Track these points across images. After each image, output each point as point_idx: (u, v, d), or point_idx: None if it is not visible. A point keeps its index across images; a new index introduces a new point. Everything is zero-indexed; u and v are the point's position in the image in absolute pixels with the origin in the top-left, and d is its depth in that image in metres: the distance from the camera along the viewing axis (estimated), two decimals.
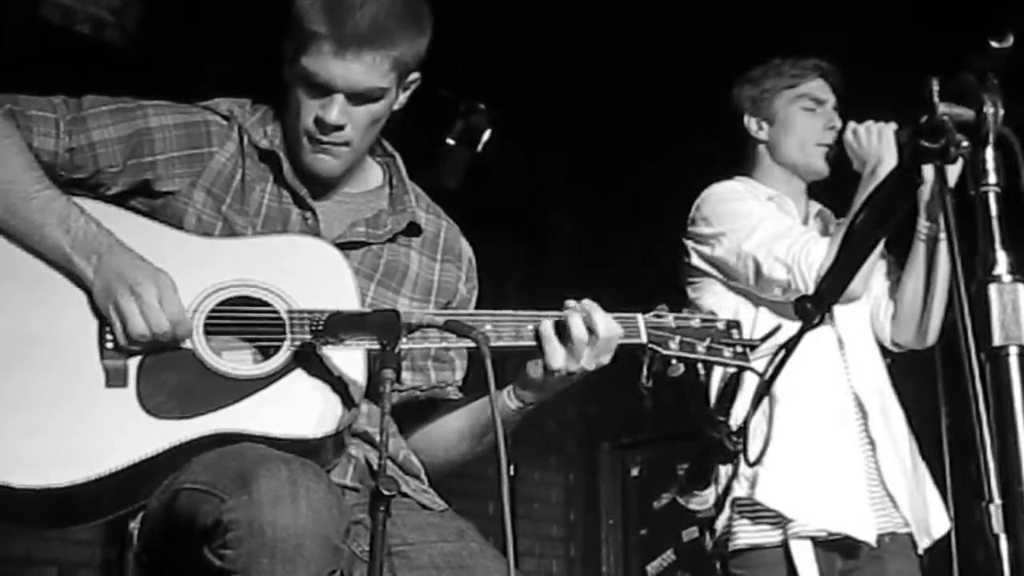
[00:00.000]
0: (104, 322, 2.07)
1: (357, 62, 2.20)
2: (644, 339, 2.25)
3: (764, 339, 2.25)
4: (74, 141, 2.19)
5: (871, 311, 3.28)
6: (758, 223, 3.09)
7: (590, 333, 2.16)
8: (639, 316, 2.27)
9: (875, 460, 3.09)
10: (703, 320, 2.29)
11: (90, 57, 4.42)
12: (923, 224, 3.07)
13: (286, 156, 2.31)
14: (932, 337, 3.20)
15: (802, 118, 3.23)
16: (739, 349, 2.27)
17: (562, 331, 2.17)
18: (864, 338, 3.23)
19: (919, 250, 3.10)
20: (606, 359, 2.20)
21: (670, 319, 2.27)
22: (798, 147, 3.24)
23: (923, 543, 3.13)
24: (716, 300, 3.13)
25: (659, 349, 2.25)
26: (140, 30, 4.55)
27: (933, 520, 3.15)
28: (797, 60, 3.27)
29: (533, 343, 2.19)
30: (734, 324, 2.30)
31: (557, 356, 2.17)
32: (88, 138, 2.20)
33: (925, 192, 3.02)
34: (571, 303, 2.21)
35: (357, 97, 2.24)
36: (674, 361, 2.25)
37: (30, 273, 2.08)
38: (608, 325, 2.18)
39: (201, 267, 2.12)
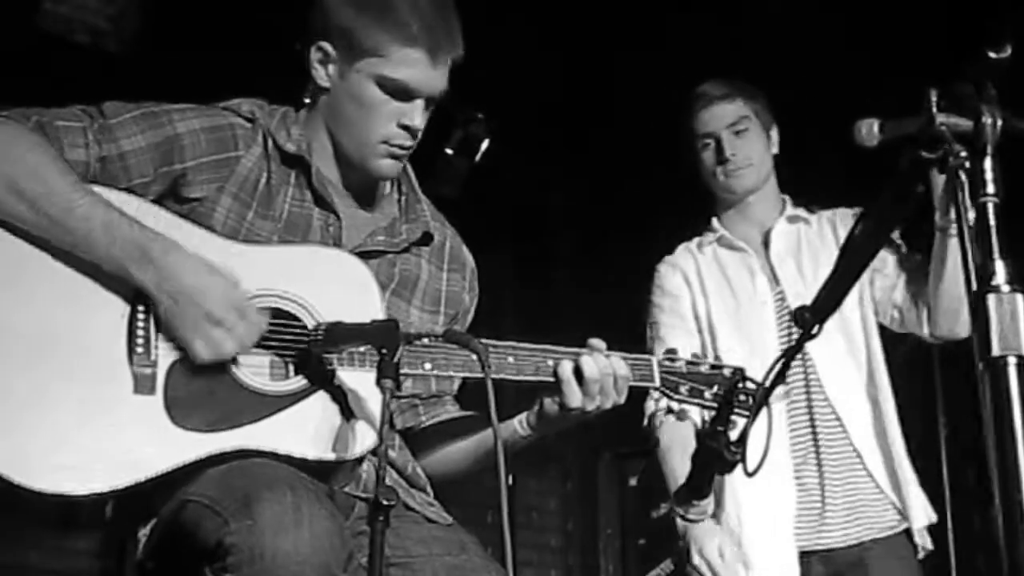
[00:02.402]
0: (133, 326, 2.05)
1: (443, 68, 2.24)
2: (657, 383, 2.29)
3: (767, 391, 2.24)
4: (104, 150, 2.14)
5: (895, 302, 3.23)
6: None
7: (605, 373, 2.19)
8: (653, 360, 2.31)
9: (864, 468, 3.15)
10: (711, 366, 2.34)
11: (88, 66, 4.42)
12: (938, 217, 2.98)
13: (314, 160, 2.30)
14: (965, 328, 3.15)
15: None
16: (742, 398, 2.28)
17: (578, 371, 2.19)
18: (838, 340, 3.22)
19: (951, 244, 2.99)
20: (621, 399, 2.24)
21: (682, 364, 2.32)
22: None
23: (920, 537, 3.16)
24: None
25: (670, 393, 2.30)
26: (138, 39, 4.55)
27: (925, 511, 3.20)
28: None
29: (551, 379, 2.21)
30: (739, 372, 2.33)
31: (575, 396, 2.19)
32: (118, 147, 2.15)
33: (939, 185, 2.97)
34: (593, 342, 2.24)
35: (431, 101, 2.27)
36: (682, 405, 2.29)
37: (58, 272, 2.06)
38: (619, 367, 2.22)
39: (237, 273, 2.10)
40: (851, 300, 3.19)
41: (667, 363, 2.31)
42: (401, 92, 2.23)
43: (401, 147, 2.27)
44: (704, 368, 2.32)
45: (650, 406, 3.27)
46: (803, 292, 3.21)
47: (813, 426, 3.18)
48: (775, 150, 3.38)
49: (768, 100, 3.39)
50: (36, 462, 1.93)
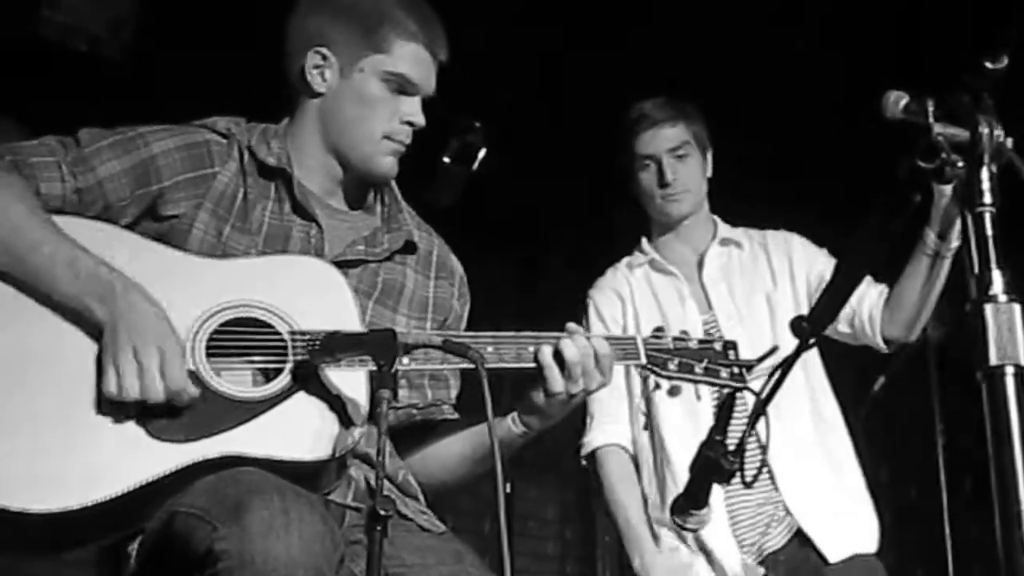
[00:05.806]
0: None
1: (436, 67, 2.36)
2: (643, 360, 2.27)
3: (760, 360, 2.26)
4: (80, 181, 2.17)
5: (861, 316, 3.21)
6: None
7: (585, 355, 2.18)
8: (638, 337, 2.29)
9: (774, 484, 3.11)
10: (700, 342, 2.31)
11: (88, 74, 4.42)
12: (932, 239, 2.98)
13: (295, 171, 2.31)
14: (916, 334, 3.20)
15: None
16: (736, 370, 2.29)
17: (558, 356, 2.18)
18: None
19: (922, 263, 3.02)
20: (608, 379, 2.22)
21: (668, 340, 2.30)
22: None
23: (834, 555, 3.08)
24: None
25: (657, 370, 2.27)
26: (137, 46, 4.56)
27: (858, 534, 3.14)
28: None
29: (534, 365, 2.20)
30: (730, 345, 2.32)
31: (557, 381, 2.18)
32: (95, 176, 2.18)
33: (940, 206, 2.95)
34: (571, 326, 2.22)
35: (425, 102, 2.36)
36: (673, 381, 2.27)
37: (30, 295, 2.06)
38: (600, 345, 2.20)
39: (204, 288, 2.11)
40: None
41: (653, 340, 2.29)
42: (404, 87, 2.32)
43: (403, 143, 2.35)
44: (692, 344, 2.30)
45: (589, 440, 3.28)
46: (735, 316, 3.22)
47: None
48: (710, 173, 3.38)
49: (706, 122, 3.39)
50: (13, 482, 1.93)
